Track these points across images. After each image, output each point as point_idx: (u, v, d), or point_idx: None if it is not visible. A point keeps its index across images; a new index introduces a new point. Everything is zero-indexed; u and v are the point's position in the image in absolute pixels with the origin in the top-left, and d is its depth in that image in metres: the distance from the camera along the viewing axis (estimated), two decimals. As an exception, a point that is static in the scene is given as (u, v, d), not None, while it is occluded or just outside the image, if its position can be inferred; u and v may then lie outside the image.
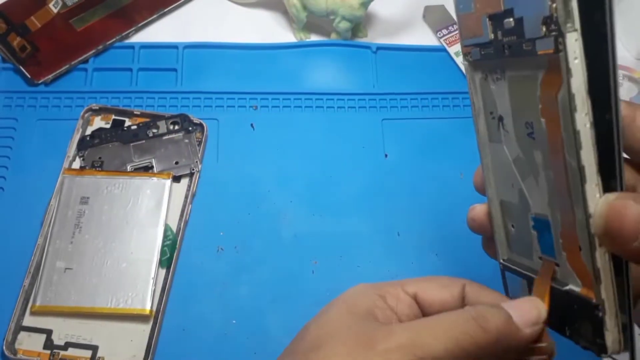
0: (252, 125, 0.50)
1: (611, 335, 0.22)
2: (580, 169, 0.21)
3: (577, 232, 0.22)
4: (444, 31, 0.57)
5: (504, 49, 0.23)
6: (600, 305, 0.22)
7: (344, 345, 0.22)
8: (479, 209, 0.29)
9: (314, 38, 0.56)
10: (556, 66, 0.20)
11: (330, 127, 0.51)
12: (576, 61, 0.20)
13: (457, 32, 0.57)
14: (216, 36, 0.55)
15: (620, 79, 0.56)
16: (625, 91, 0.55)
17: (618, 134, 0.21)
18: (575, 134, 0.21)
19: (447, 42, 0.56)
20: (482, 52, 0.24)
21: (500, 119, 0.25)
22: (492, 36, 0.23)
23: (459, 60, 0.55)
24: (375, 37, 0.57)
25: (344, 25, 0.54)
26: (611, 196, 0.21)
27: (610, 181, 0.21)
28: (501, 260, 0.28)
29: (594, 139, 0.21)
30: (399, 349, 0.22)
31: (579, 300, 0.23)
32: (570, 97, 0.20)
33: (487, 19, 0.23)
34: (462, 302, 0.27)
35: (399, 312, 0.26)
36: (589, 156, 0.21)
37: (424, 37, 0.57)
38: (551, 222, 0.24)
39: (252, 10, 0.58)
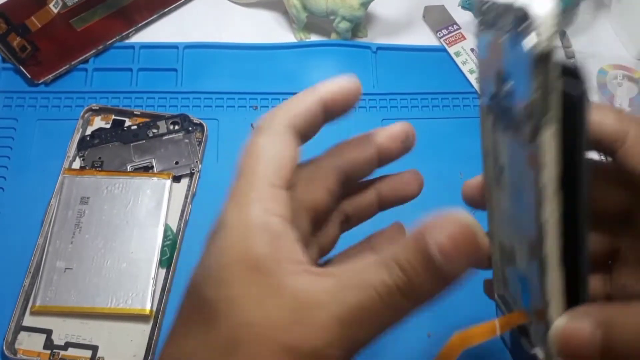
0: (252, 125, 0.50)
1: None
2: (542, 260, 0.20)
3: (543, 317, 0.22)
4: (444, 31, 0.57)
5: (501, 110, 0.22)
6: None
7: (264, 342, 0.20)
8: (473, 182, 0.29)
9: (314, 38, 0.56)
10: (534, 151, 0.19)
11: (330, 127, 0.51)
12: (549, 156, 0.19)
13: (457, 32, 0.57)
14: (216, 36, 0.55)
15: (620, 79, 0.56)
16: (625, 91, 0.55)
17: (582, 248, 0.21)
18: (542, 225, 0.20)
19: (447, 42, 0.56)
20: (490, 100, 0.23)
21: (502, 169, 0.24)
22: (494, 90, 0.22)
23: (459, 60, 0.55)
24: (375, 37, 0.57)
25: (344, 25, 0.54)
26: (561, 322, 0.21)
27: (577, 289, 0.21)
28: (496, 296, 0.28)
29: (559, 231, 0.20)
30: (327, 346, 0.20)
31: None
32: (539, 189, 0.19)
33: (495, 73, 0.21)
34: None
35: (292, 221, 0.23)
36: (552, 247, 0.20)
37: (424, 37, 0.57)
38: (530, 288, 0.23)
39: (252, 11, 0.58)
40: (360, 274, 0.21)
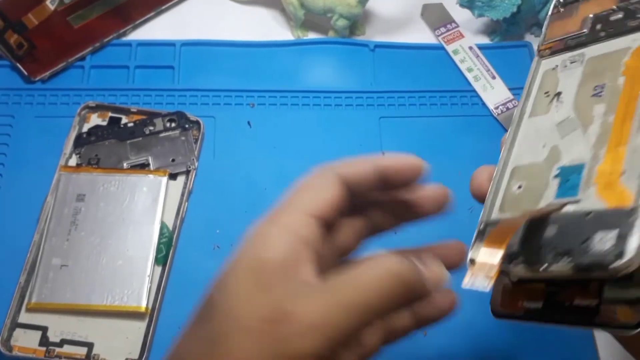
0: (249, 122, 0.50)
1: (637, 240, 0.21)
2: None
3: (625, 157, 0.23)
4: (442, 29, 0.57)
5: (598, 34, 0.28)
6: (634, 210, 0.21)
7: (249, 334, 0.21)
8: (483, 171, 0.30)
9: (312, 36, 0.56)
10: None
11: (328, 125, 0.51)
12: None
13: (455, 30, 0.57)
14: (213, 34, 0.54)
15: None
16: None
17: None
18: None
19: (445, 40, 0.56)
20: (567, 42, 0.30)
21: (558, 94, 0.28)
22: (587, 30, 0.29)
23: (457, 59, 0.55)
24: (373, 34, 0.57)
25: (341, 23, 0.53)
26: None
27: None
28: (485, 222, 0.28)
29: None
30: (307, 332, 0.21)
31: (601, 216, 0.22)
32: None
33: (591, 17, 0.29)
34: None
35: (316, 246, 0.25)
36: None
37: (422, 35, 0.57)
38: (588, 162, 0.24)
39: (250, 8, 0.58)
40: (346, 285, 0.22)
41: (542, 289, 0.25)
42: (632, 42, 0.26)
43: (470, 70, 0.54)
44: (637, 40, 0.26)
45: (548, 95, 0.29)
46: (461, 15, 0.57)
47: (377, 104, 0.52)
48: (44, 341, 0.40)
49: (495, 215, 0.28)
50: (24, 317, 0.40)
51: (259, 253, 0.23)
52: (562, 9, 0.31)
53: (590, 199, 0.23)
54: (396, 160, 0.27)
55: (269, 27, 0.56)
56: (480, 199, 0.29)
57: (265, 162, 0.48)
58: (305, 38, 0.56)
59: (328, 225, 0.25)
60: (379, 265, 0.23)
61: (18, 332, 0.40)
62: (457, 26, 0.57)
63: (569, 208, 0.24)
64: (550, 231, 0.24)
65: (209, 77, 0.52)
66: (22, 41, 0.50)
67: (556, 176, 0.25)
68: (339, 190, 0.26)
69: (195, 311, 0.24)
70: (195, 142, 0.48)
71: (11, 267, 0.42)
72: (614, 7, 0.28)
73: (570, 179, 0.25)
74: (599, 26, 0.28)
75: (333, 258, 0.28)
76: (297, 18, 0.54)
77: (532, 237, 0.24)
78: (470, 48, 0.55)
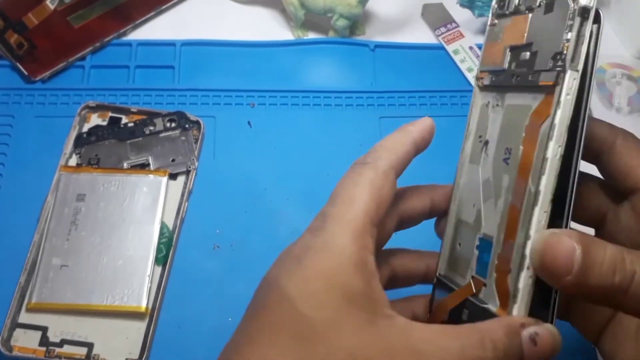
0: (249, 122, 0.50)
1: None
2: (536, 194, 0.23)
3: (513, 254, 0.24)
4: (442, 29, 0.57)
5: (512, 79, 0.26)
6: None
7: None
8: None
9: (312, 36, 0.56)
10: (549, 99, 0.23)
11: (328, 125, 0.51)
12: (568, 97, 0.23)
13: (455, 30, 0.57)
14: (214, 34, 0.54)
15: (619, 78, 0.55)
16: (624, 90, 0.55)
17: (574, 176, 0.23)
18: (544, 161, 0.23)
19: (446, 40, 0.56)
20: (493, 79, 0.28)
21: (486, 142, 0.28)
22: (506, 66, 0.27)
23: (458, 59, 0.55)
24: (373, 34, 0.57)
25: (341, 22, 0.53)
26: (546, 232, 0.23)
27: (556, 220, 0.23)
28: (437, 275, 0.30)
29: (557, 170, 0.23)
30: None
31: (491, 317, 0.24)
32: (552, 127, 0.23)
33: (509, 50, 0.27)
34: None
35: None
36: (548, 184, 0.23)
37: (422, 35, 0.57)
38: (494, 243, 0.25)
39: (250, 8, 0.58)
40: (455, 338, 0.22)
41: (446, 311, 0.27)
42: (532, 101, 0.25)
43: (470, 70, 0.54)
44: (535, 99, 0.24)
45: (480, 141, 0.28)
46: (461, 15, 0.57)
47: (377, 104, 0.52)
48: (44, 341, 0.40)
49: (444, 270, 0.29)
50: (24, 317, 0.40)
51: (347, 277, 0.22)
52: (496, 22, 0.28)
53: (491, 289, 0.25)
54: (422, 127, 0.29)
55: (269, 27, 0.56)
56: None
57: (265, 162, 0.48)
58: (305, 38, 0.56)
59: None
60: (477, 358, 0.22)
61: (18, 332, 0.40)
62: (458, 26, 0.57)
63: (480, 293, 0.26)
64: (464, 314, 0.26)
65: (209, 77, 0.52)
66: (23, 41, 0.50)
67: (477, 247, 0.27)
68: (394, 190, 0.26)
69: (278, 318, 0.23)
70: (196, 142, 0.48)
71: (11, 267, 0.42)
72: (523, 41, 0.26)
73: (483, 256, 0.26)
74: (513, 65, 0.26)
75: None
76: (297, 18, 0.54)
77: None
78: (471, 48, 0.55)
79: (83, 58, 0.52)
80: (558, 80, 0.23)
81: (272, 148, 0.49)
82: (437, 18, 0.58)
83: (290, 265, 0.23)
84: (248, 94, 0.51)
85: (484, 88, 0.29)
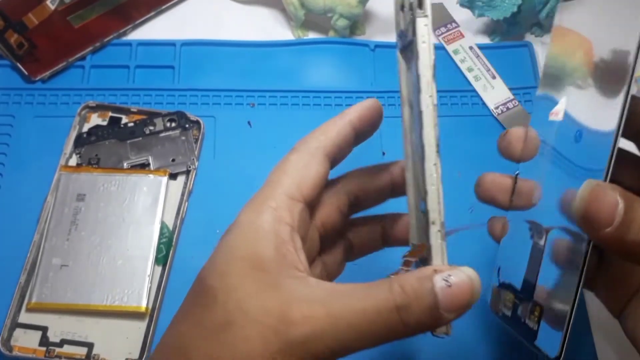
0: (249, 122, 0.50)
1: None
2: (422, 147, 0.23)
3: (418, 211, 0.24)
4: (443, 29, 0.57)
5: (406, 38, 0.25)
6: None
7: (256, 326, 0.22)
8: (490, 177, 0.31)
9: (312, 36, 0.56)
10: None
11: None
12: (424, 44, 0.22)
13: (455, 30, 0.57)
14: (214, 33, 0.54)
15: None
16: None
17: (613, 152, 0.23)
18: (420, 114, 0.23)
19: (446, 40, 0.56)
20: (399, 42, 0.27)
21: (411, 106, 0.28)
22: (403, 26, 0.26)
23: (458, 59, 0.55)
24: (373, 34, 0.57)
25: (341, 22, 0.53)
26: (593, 182, 0.23)
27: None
28: (411, 243, 0.29)
29: (435, 120, 0.23)
30: (315, 339, 0.22)
31: None
32: (418, 78, 0.23)
33: (400, 9, 0.26)
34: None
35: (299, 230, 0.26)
36: (428, 136, 0.23)
37: (422, 35, 0.57)
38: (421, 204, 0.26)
39: (250, 8, 0.57)
40: (365, 287, 0.23)
41: (512, 299, 0.27)
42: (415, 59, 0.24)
43: (470, 70, 0.54)
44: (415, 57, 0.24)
45: (411, 106, 0.28)
46: (461, 15, 0.57)
47: (377, 103, 0.52)
48: (44, 341, 0.40)
49: (416, 240, 0.28)
50: (24, 317, 0.40)
51: (254, 247, 0.24)
52: None
53: (429, 252, 0.25)
54: (360, 107, 0.29)
55: (269, 27, 0.56)
56: (488, 202, 0.31)
57: (265, 162, 0.48)
58: (305, 38, 0.56)
59: (312, 204, 0.27)
60: (383, 301, 0.22)
61: (18, 332, 0.40)
62: (458, 26, 0.57)
63: None
64: None
65: (209, 76, 0.52)
66: (23, 41, 0.50)
67: (421, 211, 0.26)
68: (323, 167, 0.27)
69: (186, 298, 0.25)
70: (196, 142, 0.48)
71: (11, 267, 0.42)
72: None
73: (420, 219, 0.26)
74: (405, 24, 0.26)
75: (318, 235, 0.29)
76: (297, 18, 0.54)
77: None
78: (471, 48, 0.55)
79: (83, 58, 0.52)
80: (414, 31, 0.23)
81: (272, 148, 0.49)
82: (437, 18, 0.58)
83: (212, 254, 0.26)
84: (248, 93, 0.51)
85: (400, 52, 0.28)
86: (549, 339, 0.24)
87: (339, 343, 0.22)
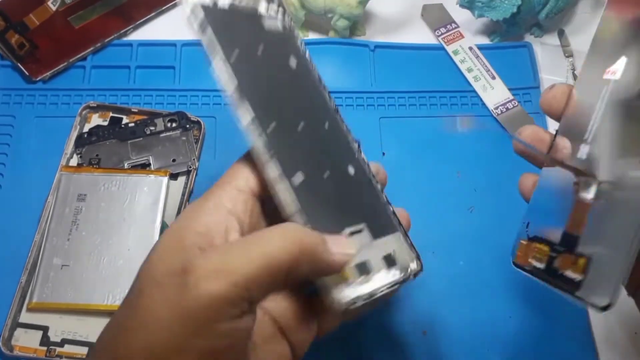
0: (249, 123, 0.50)
1: None
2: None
3: None
4: (442, 29, 0.57)
5: None
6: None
7: (159, 288, 0.23)
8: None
9: (312, 36, 0.56)
10: None
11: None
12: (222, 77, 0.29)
13: (455, 30, 0.57)
14: (214, 34, 0.54)
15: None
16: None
17: None
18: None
19: (446, 40, 0.56)
20: None
21: None
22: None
23: (457, 59, 0.55)
24: (373, 35, 0.57)
25: (342, 23, 0.54)
26: None
27: None
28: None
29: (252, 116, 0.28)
30: (212, 275, 0.23)
31: None
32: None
33: None
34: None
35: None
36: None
37: (422, 35, 0.57)
38: None
39: (251, 9, 0.58)
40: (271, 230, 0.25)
41: (547, 252, 0.28)
42: None
43: (470, 70, 0.54)
44: None
45: None
46: (461, 15, 0.57)
47: (377, 104, 0.52)
48: (45, 341, 0.40)
49: None
50: (25, 317, 0.40)
51: (187, 224, 0.25)
52: None
53: None
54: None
55: (270, 28, 0.56)
56: (526, 155, 0.32)
57: (265, 162, 0.48)
58: (305, 38, 0.56)
59: (263, 199, 0.28)
60: (285, 230, 0.25)
61: (19, 332, 0.40)
62: (457, 27, 0.57)
63: None
64: None
65: (210, 77, 0.51)
66: (24, 41, 0.50)
67: None
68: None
69: None
70: (196, 142, 0.48)
71: (12, 267, 0.42)
72: None
73: None
74: None
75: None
76: (297, 18, 0.54)
77: None
78: (470, 48, 0.56)
79: (84, 58, 0.52)
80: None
81: (273, 148, 0.49)
82: (437, 18, 0.58)
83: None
84: (248, 94, 0.51)
85: None
86: (595, 289, 0.25)
87: (242, 275, 0.23)
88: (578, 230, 0.27)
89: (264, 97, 0.29)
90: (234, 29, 0.29)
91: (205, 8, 0.28)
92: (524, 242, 0.30)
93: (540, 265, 0.28)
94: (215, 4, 0.29)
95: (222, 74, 0.28)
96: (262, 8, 0.32)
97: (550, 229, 0.29)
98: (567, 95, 0.31)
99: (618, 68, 0.29)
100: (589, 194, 0.28)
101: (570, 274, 0.27)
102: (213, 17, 0.28)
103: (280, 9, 0.32)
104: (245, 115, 0.27)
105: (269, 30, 0.32)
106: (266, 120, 0.28)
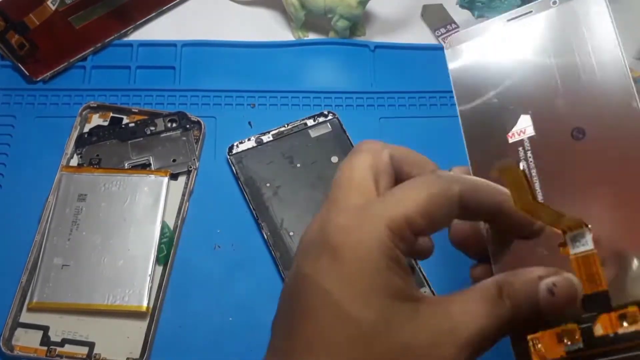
0: (249, 123, 0.50)
1: None
2: None
3: None
4: (442, 30, 0.57)
5: None
6: None
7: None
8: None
9: (312, 36, 0.56)
10: None
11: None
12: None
13: (455, 30, 0.57)
14: (214, 34, 0.55)
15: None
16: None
17: None
18: None
19: (446, 40, 0.56)
20: None
21: None
22: None
23: (457, 59, 0.55)
24: (373, 35, 0.57)
25: (342, 23, 0.54)
26: None
27: None
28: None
29: None
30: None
31: None
32: None
33: None
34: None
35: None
36: None
37: (422, 35, 0.57)
38: None
39: (251, 9, 0.58)
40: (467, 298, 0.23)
41: (576, 328, 0.23)
42: None
43: (470, 70, 0.54)
44: None
45: None
46: (461, 16, 0.57)
47: (377, 104, 0.52)
48: (45, 341, 0.40)
49: None
50: (25, 317, 0.40)
51: (385, 277, 0.22)
52: None
53: None
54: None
55: (270, 28, 0.56)
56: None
57: (265, 162, 0.48)
58: (305, 39, 0.56)
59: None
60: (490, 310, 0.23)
61: (19, 331, 0.40)
62: (457, 27, 0.57)
63: None
64: None
65: (210, 77, 0.52)
66: (24, 42, 0.50)
67: None
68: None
69: (316, 320, 0.23)
70: (196, 142, 0.48)
71: (12, 267, 0.42)
72: None
73: None
74: None
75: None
76: (297, 19, 0.54)
77: None
78: (470, 49, 0.56)
79: (84, 59, 0.52)
80: None
81: (273, 148, 0.49)
82: (437, 19, 0.58)
83: (326, 261, 0.23)
84: (249, 94, 0.51)
85: None
86: None
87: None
88: (597, 286, 0.23)
89: None
90: None
91: None
92: (537, 336, 0.24)
93: (577, 346, 0.23)
94: None
95: None
96: None
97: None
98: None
99: (525, 125, 0.27)
100: (587, 244, 0.24)
101: (630, 328, 0.22)
102: None
103: None
104: None
105: None
106: None
